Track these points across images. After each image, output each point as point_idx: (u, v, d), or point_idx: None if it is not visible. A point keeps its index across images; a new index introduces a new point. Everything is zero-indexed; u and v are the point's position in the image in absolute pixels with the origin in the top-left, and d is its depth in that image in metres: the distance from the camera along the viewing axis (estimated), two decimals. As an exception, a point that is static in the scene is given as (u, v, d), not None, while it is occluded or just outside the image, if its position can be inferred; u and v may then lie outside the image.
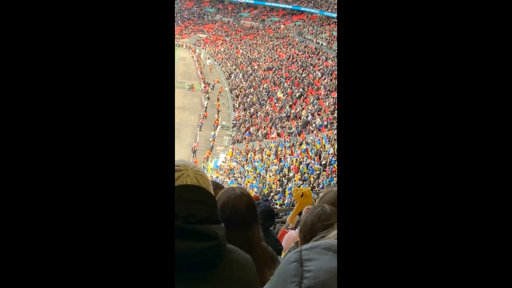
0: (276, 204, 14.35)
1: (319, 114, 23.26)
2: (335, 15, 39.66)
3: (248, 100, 30.77)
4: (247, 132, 26.20)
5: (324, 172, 16.55)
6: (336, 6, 39.61)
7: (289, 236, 2.95)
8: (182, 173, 1.09)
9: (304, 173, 17.41)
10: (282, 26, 48.34)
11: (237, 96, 32.22)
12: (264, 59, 38.51)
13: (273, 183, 18.16)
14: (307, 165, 18.00)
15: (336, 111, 20.84)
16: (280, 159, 20.84)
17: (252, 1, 53.90)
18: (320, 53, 33.16)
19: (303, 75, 30.39)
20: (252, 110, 29.10)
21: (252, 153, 22.98)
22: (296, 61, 34.50)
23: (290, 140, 22.55)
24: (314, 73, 29.74)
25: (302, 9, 48.80)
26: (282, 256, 2.46)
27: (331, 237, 0.83)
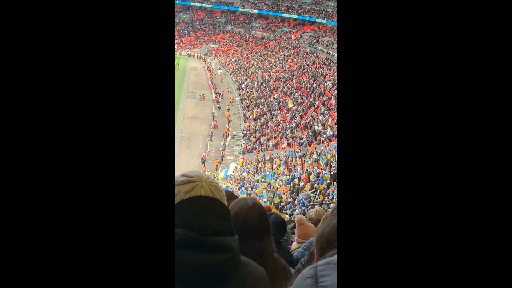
0: (287, 214, 14.27)
1: (330, 125, 23.20)
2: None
3: (259, 110, 30.83)
4: (257, 142, 26.18)
5: (334, 182, 16.42)
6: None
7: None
8: (196, 184, 1.07)
9: (315, 183, 17.32)
10: (293, 37, 48.52)
11: (248, 106, 32.30)
12: (275, 69, 38.64)
13: (284, 193, 18.08)
14: (318, 175, 17.91)
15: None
16: (291, 169, 20.77)
17: (263, 12, 54.26)
18: (331, 64, 33.09)
19: (314, 85, 30.38)
20: (262, 120, 29.13)
21: (262, 163, 22.95)
22: (307, 71, 34.54)
23: (300, 150, 22.48)
24: (325, 84, 29.70)
25: (313, 19, 48.98)
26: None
27: None
